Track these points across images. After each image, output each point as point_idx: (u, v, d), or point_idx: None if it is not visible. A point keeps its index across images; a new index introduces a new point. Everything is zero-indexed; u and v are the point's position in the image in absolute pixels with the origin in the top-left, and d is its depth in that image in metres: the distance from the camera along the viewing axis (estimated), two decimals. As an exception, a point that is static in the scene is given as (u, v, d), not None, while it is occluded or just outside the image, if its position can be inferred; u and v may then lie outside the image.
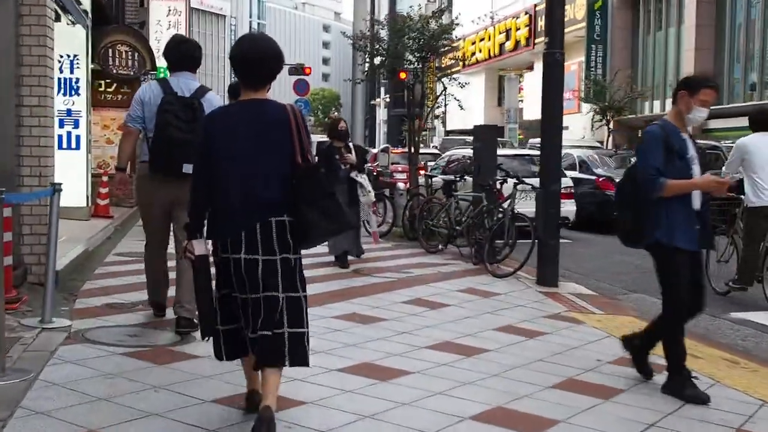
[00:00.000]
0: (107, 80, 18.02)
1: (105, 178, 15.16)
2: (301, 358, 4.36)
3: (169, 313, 6.86)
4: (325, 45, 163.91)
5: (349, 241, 10.56)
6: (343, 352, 6.25)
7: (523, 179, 11.10)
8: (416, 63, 15.62)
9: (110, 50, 17.41)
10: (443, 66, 51.18)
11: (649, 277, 12.07)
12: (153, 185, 6.49)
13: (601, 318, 8.36)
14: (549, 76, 9.98)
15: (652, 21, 43.99)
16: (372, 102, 67.10)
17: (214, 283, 4.49)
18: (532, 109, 53.10)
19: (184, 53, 6.69)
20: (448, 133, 57.35)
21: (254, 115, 4.40)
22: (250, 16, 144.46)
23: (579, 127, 43.49)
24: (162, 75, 24.02)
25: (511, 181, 11.35)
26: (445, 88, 16.23)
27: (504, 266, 11.05)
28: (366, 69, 16.11)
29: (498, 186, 11.68)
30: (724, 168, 10.31)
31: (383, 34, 16.00)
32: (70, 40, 14.07)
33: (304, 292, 4.46)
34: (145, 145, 6.56)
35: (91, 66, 17.15)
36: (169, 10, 21.22)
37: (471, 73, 60.56)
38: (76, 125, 14.24)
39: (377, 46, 15.28)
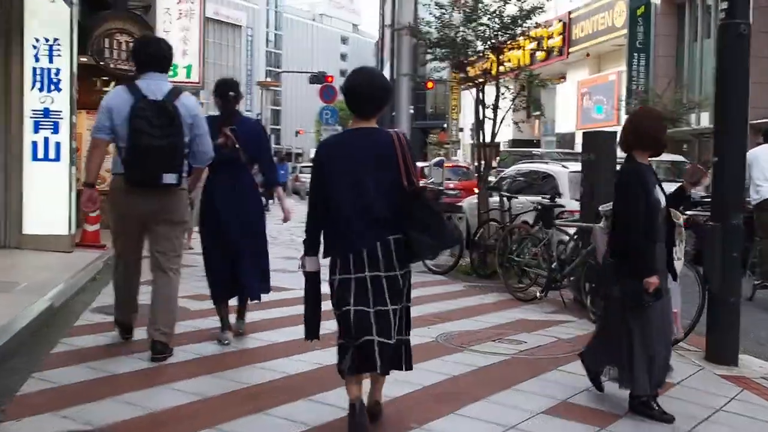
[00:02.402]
0: (104, 77, 14.85)
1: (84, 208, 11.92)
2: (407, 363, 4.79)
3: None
4: (343, 57, 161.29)
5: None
6: None
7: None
8: (485, 54, 12.42)
9: (106, 40, 14.19)
10: (470, 75, 47.83)
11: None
12: (129, 198, 5.99)
13: None
14: (730, 59, 6.77)
15: (700, 28, 40.83)
16: (393, 113, 63.87)
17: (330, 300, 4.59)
18: (565, 121, 50.05)
19: (154, 52, 6.17)
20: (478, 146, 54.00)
21: (365, 141, 4.59)
22: (267, 27, 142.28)
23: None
24: (172, 72, 21.06)
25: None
26: (523, 87, 12.99)
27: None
28: (425, 61, 12.80)
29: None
30: None
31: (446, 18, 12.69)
32: (48, 20, 11.00)
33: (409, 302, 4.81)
34: (118, 157, 6.01)
35: (83, 59, 14.08)
36: (180, -3, 18.05)
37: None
38: (56, 129, 11.07)
39: (443, 33, 12.03)
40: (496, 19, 11.77)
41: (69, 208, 11.13)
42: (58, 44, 11.02)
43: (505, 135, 56.69)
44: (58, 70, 11.05)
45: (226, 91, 6.75)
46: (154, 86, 5.96)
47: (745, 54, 6.80)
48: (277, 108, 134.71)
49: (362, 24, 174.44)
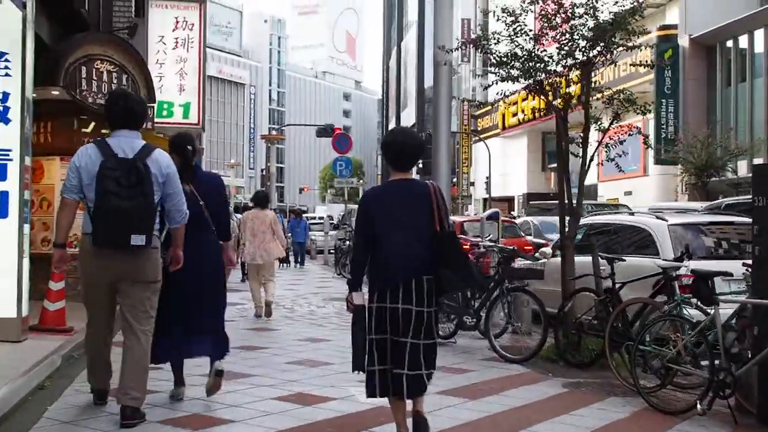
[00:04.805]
0: (82, 116, 12.02)
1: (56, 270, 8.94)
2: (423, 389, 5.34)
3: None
4: (346, 113, 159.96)
5: None
6: None
7: None
8: (569, 73, 9.67)
9: (83, 69, 11.42)
10: (480, 129, 44.78)
11: None
12: (98, 261, 5.81)
13: None
14: None
15: (733, 71, 38.35)
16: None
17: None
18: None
19: (125, 109, 5.95)
20: (492, 200, 51.25)
21: (405, 191, 5.38)
22: (270, 85, 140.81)
23: (645, 192, 37.67)
24: (166, 112, 18.30)
25: None
26: (617, 115, 10.11)
27: None
28: (493, 82, 9.98)
29: None
30: None
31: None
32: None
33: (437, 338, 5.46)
34: (87, 216, 5.78)
35: (54, 92, 11.29)
36: (177, 22, 15.13)
37: (510, 136, 55.03)
38: (2, 175, 8.19)
39: (516, 45, 9.20)
40: (590, 23, 8.98)
41: (19, 281, 8.19)
42: (6, 60, 8.20)
43: (517, 189, 54.04)
44: (5, 95, 8.20)
45: (184, 145, 6.60)
46: (125, 143, 5.82)
47: None
48: (281, 165, 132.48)
49: (364, 81, 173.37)
